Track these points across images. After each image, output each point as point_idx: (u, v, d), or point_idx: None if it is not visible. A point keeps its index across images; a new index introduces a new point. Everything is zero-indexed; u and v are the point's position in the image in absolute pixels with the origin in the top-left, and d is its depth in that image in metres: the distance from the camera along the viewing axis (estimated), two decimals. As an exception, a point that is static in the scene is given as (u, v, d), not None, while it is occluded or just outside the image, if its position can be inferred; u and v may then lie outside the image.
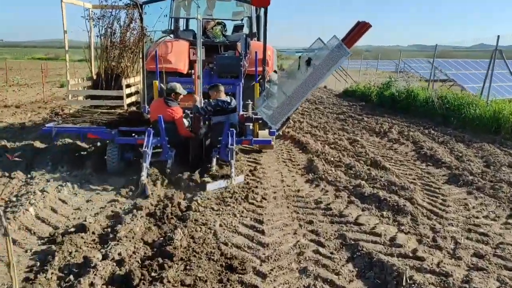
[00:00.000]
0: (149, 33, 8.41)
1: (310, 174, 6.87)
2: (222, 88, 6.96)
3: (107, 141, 6.65)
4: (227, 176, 6.09)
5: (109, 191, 5.86)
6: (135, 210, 4.81)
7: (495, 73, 14.48)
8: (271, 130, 7.25)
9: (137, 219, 4.56)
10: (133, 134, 6.68)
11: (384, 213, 5.19)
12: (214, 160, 6.51)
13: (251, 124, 7.21)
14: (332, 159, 7.74)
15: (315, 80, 5.99)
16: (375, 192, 5.73)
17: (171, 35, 9.58)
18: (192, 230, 4.41)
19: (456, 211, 5.45)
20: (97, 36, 8.14)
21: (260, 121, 7.02)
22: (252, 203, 5.48)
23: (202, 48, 7.69)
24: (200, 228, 4.49)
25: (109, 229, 4.43)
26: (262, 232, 4.58)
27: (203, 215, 4.85)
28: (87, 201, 5.47)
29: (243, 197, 5.59)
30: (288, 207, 5.45)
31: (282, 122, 7.04)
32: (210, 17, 9.94)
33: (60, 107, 13.92)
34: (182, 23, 11.07)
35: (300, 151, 8.67)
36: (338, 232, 4.63)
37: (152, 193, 5.52)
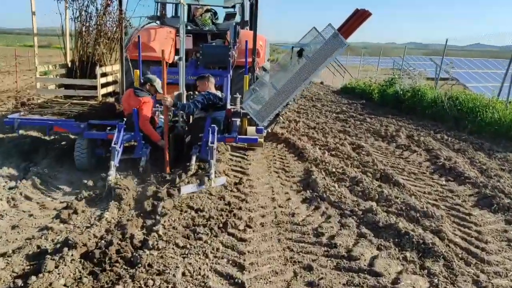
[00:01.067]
0: (129, 17, 7.69)
1: (307, 191, 5.53)
2: (213, 79, 6.27)
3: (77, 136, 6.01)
4: (206, 177, 5.23)
5: (59, 198, 4.55)
6: (66, 249, 3.42)
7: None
8: (258, 127, 6.48)
9: (65, 265, 3.19)
10: (108, 128, 5.96)
11: (408, 254, 3.86)
12: (194, 159, 5.75)
13: (239, 119, 6.65)
14: (334, 170, 6.40)
15: (307, 73, 5.38)
16: (392, 222, 4.39)
17: (157, 21, 8.93)
18: (141, 285, 3.06)
19: (499, 250, 4.13)
20: (71, 19, 7.47)
21: (248, 117, 6.27)
22: (232, 234, 4.13)
23: (189, 36, 7.27)
24: (153, 280, 3.13)
25: (20, 282, 3.06)
26: (242, 287, 3.24)
27: (162, 256, 3.50)
28: (13, 227, 4.08)
29: (220, 225, 4.24)
30: (279, 240, 4.11)
31: (271, 119, 6.56)
32: (197, 3, 9.06)
33: (27, 97, 12.56)
34: (170, 9, 10.09)
35: (296, 158, 7.32)
36: (348, 287, 3.30)
37: (100, 217, 4.20)
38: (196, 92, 6.63)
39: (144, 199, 4.75)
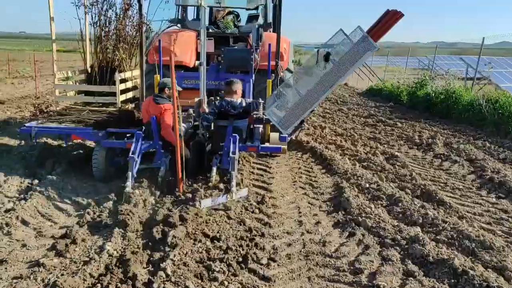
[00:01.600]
0: (149, 21, 7.38)
1: (339, 212, 4.83)
2: (235, 86, 5.76)
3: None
4: (227, 190, 4.98)
5: (60, 221, 3.99)
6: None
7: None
8: (281, 135, 6.06)
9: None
10: (128, 136, 5.85)
11: (470, 302, 3.13)
12: (214, 169, 5.43)
13: (261, 126, 6.23)
14: (367, 185, 5.68)
15: (334, 78, 5.06)
16: (445, 257, 3.65)
17: (178, 25, 8.66)
18: None
19: None
20: (90, 24, 7.25)
21: (271, 123, 5.89)
22: (254, 271, 3.48)
23: (211, 39, 6.93)
24: None
25: None
26: None
27: (169, 305, 2.88)
28: (1, 261, 3.52)
29: (240, 259, 3.60)
30: (309, 278, 3.44)
31: (295, 127, 6.05)
32: (218, 5, 8.57)
33: (46, 103, 12.25)
34: (192, 12, 9.63)
35: (324, 171, 6.62)
36: None
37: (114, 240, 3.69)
38: (218, 98, 6.21)
39: (153, 225, 4.15)
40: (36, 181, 5.44)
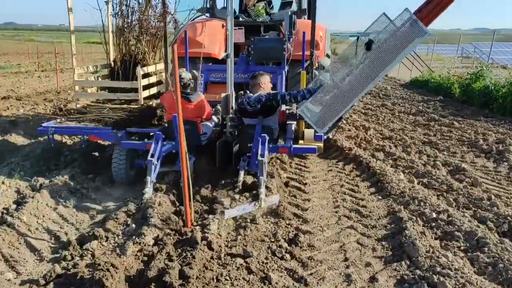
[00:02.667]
0: (175, 12, 6.86)
1: (403, 263, 3.46)
2: (256, 79, 5.28)
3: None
4: (255, 197, 4.37)
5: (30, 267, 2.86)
6: None
7: None
8: (317, 134, 5.29)
9: None
10: (151, 135, 5.38)
11: None
12: (242, 174, 4.83)
13: (295, 123, 5.64)
14: (434, 215, 4.27)
15: (377, 69, 4.41)
16: None
17: (207, 14, 8.20)
18: None
19: None
20: (112, 15, 6.82)
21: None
22: None
23: (241, 29, 6.58)
24: None
25: None
26: None
27: None
28: None
29: None
30: None
31: (332, 124, 5.16)
32: None
33: (64, 101, 11.44)
34: (222, 0, 9.33)
35: (373, 190, 5.25)
36: None
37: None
38: (247, 92, 5.59)
39: (142, 286, 2.95)
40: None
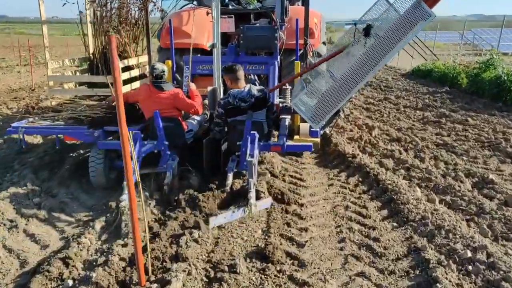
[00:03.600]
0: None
1: None
2: (239, 72, 4.68)
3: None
4: (245, 201, 3.92)
5: None
6: None
7: None
8: (312, 129, 4.99)
9: None
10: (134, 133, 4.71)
11: None
12: (230, 176, 4.40)
13: (289, 117, 5.29)
14: (468, 253, 3.24)
15: (377, 57, 3.80)
16: None
17: (195, 2, 7.81)
18: None
19: None
20: (89, 3, 6.11)
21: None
22: None
23: (231, 17, 6.20)
24: None
25: None
26: None
27: None
28: None
29: None
30: None
31: (329, 118, 4.67)
32: None
33: (36, 99, 10.40)
34: None
35: (386, 213, 4.21)
36: None
37: None
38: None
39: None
40: None
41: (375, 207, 4.36)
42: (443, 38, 39.77)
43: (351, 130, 7.38)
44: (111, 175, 5.02)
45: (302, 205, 4.41)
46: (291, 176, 5.30)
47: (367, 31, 4.21)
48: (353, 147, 6.38)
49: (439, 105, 9.93)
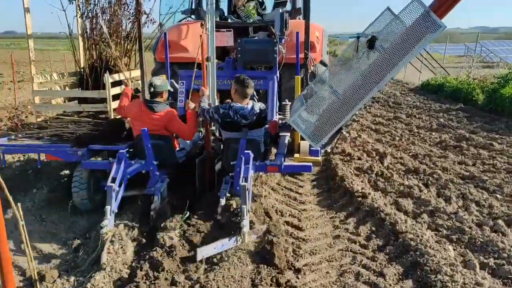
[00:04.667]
0: (150, 11, 6.17)
1: None
2: (249, 90, 4.28)
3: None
4: (237, 229, 3.53)
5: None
6: None
7: None
8: (312, 148, 4.50)
9: None
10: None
11: None
12: (223, 201, 3.92)
13: (288, 134, 4.91)
14: None
15: (382, 72, 3.55)
16: None
17: (193, 16, 7.50)
18: None
19: None
20: (79, 16, 5.96)
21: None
22: None
23: (230, 31, 6.12)
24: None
25: None
26: None
27: None
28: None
29: None
30: None
31: (330, 137, 4.06)
32: None
33: (17, 115, 9.49)
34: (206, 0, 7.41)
35: (409, 285, 3.13)
36: None
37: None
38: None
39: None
40: None
41: (395, 274, 3.27)
42: (448, 50, 38.84)
43: (359, 158, 6.32)
44: (96, 197, 4.69)
45: (298, 270, 3.35)
46: (287, 223, 4.28)
47: (371, 44, 3.85)
48: (362, 181, 5.32)
49: (456, 125, 8.85)
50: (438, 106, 11.61)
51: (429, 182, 5.27)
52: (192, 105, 4.59)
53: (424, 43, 3.50)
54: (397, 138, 7.69)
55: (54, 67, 27.43)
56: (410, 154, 6.66)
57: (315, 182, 5.66)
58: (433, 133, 8.11)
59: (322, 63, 6.48)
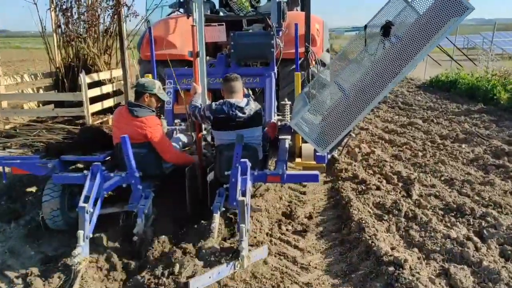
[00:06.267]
0: (132, 2, 5.80)
1: None
2: (237, 85, 3.94)
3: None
4: (234, 252, 3.10)
5: None
6: None
7: None
8: (318, 154, 3.59)
9: None
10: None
11: None
12: (217, 217, 3.50)
13: (289, 137, 4.44)
14: None
15: (399, 64, 3.11)
16: None
17: (181, 10, 6.74)
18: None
19: None
20: (49, 9, 5.47)
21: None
22: None
23: (221, 25, 5.64)
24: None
25: None
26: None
27: None
28: None
29: None
30: None
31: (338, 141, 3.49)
32: None
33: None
34: None
35: None
36: None
37: None
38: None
39: None
40: None
41: None
42: (447, 43, 37.35)
43: (377, 188, 4.73)
44: (71, 214, 4.08)
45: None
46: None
47: (386, 30, 3.55)
48: (388, 230, 3.74)
49: (485, 133, 7.27)
50: (455, 106, 10.03)
51: (484, 231, 3.68)
52: (199, 88, 4.11)
53: (447, 30, 2.99)
54: (420, 153, 6.09)
55: (39, 67, 25.86)
56: (443, 179, 5.08)
57: (321, 227, 4.07)
58: (462, 145, 6.52)
59: (322, 59, 5.95)
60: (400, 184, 4.86)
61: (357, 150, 6.17)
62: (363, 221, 3.75)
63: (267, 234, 3.80)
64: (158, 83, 4.06)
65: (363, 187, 4.77)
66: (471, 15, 2.97)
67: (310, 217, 4.28)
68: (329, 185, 5.19)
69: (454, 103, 10.57)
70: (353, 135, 6.93)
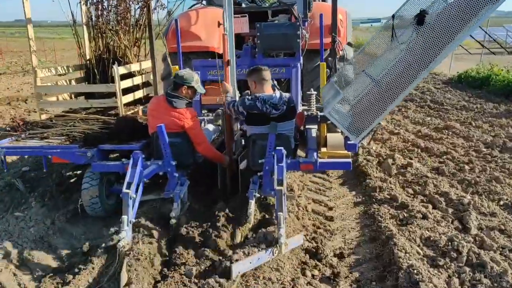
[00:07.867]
0: None
1: None
2: (267, 74, 3.86)
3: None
4: (273, 239, 3.09)
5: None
6: None
7: None
8: (349, 142, 3.71)
9: None
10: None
11: None
12: (253, 203, 3.52)
13: (316, 127, 4.61)
14: None
15: (432, 52, 3.10)
16: None
17: (204, 2, 7.10)
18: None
19: None
20: (79, 3, 5.41)
21: (329, 121, 4.12)
22: None
23: (244, 16, 5.54)
24: None
25: None
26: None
27: None
28: None
29: None
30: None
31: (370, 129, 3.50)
32: None
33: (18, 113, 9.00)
34: None
35: None
36: None
37: None
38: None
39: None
40: None
41: None
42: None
43: (423, 216, 3.76)
44: (109, 202, 4.30)
45: None
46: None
47: (420, 19, 3.40)
48: (448, 282, 2.80)
49: (536, 140, 6.23)
50: (492, 107, 8.95)
51: None
52: (230, 88, 4.06)
53: (481, 18, 2.95)
54: (466, 167, 5.09)
55: (58, 57, 25.48)
56: (502, 203, 4.10)
57: (356, 272, 3.14)
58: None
59: (349, 44, 6.18)
60: (451, 210, 3.90)
61: (390, 161, 5.21)
62: (415, 270, 2.82)
63: (289, 283, 2.88)
64: (196, 76, 4.07)
65: (405, 214, 3.82)
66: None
67: (341, 256, 3.37)
68: (361, 208, 4.25)
69: (490, 102, 9.48)
70: (382, 123, 6.70)
